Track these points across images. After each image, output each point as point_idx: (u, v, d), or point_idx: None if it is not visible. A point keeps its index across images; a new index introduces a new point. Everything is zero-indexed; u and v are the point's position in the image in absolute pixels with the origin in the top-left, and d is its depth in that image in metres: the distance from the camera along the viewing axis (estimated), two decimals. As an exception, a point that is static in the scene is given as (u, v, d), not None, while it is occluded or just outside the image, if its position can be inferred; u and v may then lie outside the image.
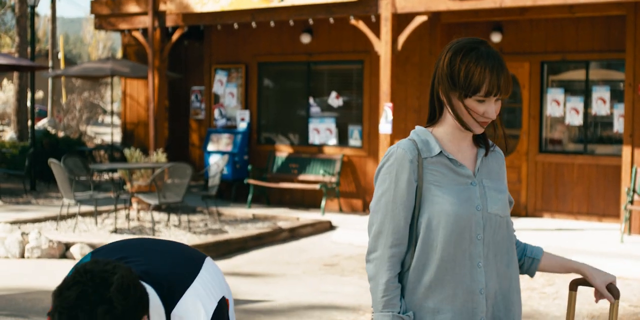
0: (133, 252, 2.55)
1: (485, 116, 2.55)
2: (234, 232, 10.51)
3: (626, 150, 10.59)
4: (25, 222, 11.02)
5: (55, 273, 8.45)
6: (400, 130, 11.92)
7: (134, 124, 17.59)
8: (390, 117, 11.03)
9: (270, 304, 7.29)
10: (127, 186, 12.04)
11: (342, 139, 13.23)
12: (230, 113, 14.27)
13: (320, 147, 13.36)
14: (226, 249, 9.77)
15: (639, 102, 10.55)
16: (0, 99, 31.71)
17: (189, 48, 16.84)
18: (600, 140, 11.64)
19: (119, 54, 20.27)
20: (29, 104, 17.34)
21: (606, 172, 11.35)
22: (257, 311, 7.02)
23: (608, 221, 11.31)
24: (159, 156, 12.52)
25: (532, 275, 2.78)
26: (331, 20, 12.07)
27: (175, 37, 13.61)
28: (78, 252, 9.36)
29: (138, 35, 13.99)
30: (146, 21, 13.77)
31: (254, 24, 12.76)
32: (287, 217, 11.96)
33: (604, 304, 7.13)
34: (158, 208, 11.80)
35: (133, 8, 13.95)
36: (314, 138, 13.37)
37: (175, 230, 10.59)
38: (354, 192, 13.09)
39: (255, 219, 12.03)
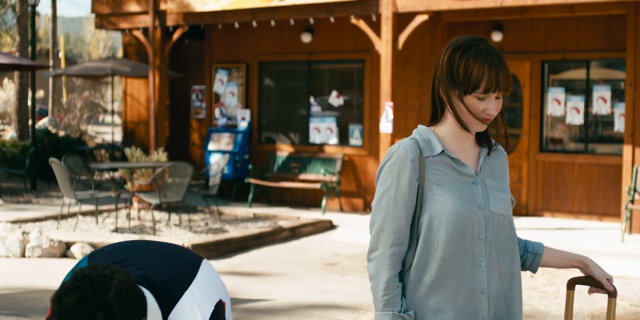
0: (129, 256, 2.54)
1: (486, 113, 2.55)
2: (234, 232, 10.51)
3: (627, 150, 10.58)
4: (26, 221, 11.03)
5: (56, 272, 8.45)
6: (400, 130, 11.92)
7: (134, 123, 17.59)
8: (390, 116, 11.03)
9: (271, 303, 7.29)
10: (128, 185, 12.05)
11: (343, 138, 13.23)
12: (230, 112, 14.27)
13: (320, 147, 13.36)
14: (227, 248, 9.77)
15: (639, 102, 10.54)
16: (1, 98, 31.71)
17: (190, 47, 16.84)
18: (600, 139, 11.64)
19: (120, 53, 20.26)
20: (29, 103, 17.35)
21: (607, 172, 11.35)
22: (257, 310, 7.02)
23: (609, 220, 11.31)
24: (160, 155, 12.52)
25: (534, 270, 2.78)
26: (332, 19, 12.07)
27: (175, 36, 13.61)
28: (79, 252, 9.36)
29: (139, 34, 13.99)
30: (147, 20, 13.77)
31: (254, 23, 12.76)
32: (288, 216, 11.96)
33: (604, 303, 7.13)
34: (159, 207, 11.80)
35: (134, 7, 13.95)
36: (315, 137, 13.37)
37: (176, 230, 10.59)
38: (354, 191, 13.09)
39: (255, 218, 12.03)
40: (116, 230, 10.40)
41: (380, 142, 11.30)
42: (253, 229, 10.77)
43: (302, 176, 13.30)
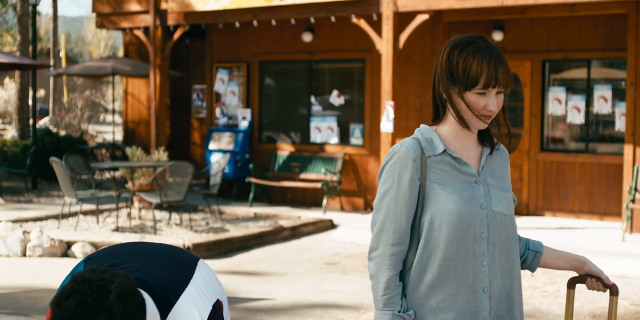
0: (126, 258, 2.54)
1: (487, 109, 2.54)
2: (235, 231, 10.51)
3: (628, 149, 10.58)
4: (26, 220, 11.03)
5: (56, 272, 8.46)
6: (401, 129, 11.91)
7: (135, 122, 17.59)
8: (391, 115, 11.02)
9: (272, 303, 7.29)
10: (129, 185, 12.05)
11: (344, 138, 13.23)
12: (231, 112, 14.28)
13: (321, 146, 13.36)
14: (227, 248, 9.77)
15: (640, 101, 10.54)
16: (2, 98, 31.71)
17: (191, 46, 16.84)
18: (601, 138, 11.63)
19: (121, 53, 20.26)
20: (30, 102, 17.35)
21: (608, 171, 11.34)
22: (258, 310, 7.02)
23: (609, 220, 11.30)
24: (161, 155, 12.53)
25: (533, 269, 2.79)
26: (332, 18, 12.07)
27: (176, 35, 13.61)
28: (79, 251, 9.37)
29: (139, 33, 13.99)
30: (148, 20, 13.78)
31: (255, 23, 12.76)
32: (289, 215, 11.95)
33: (605, 302, 7.13)
34: (159, 207, 11.80)
35: (134, 6, 13.96)
36: (316, 137, 13.37)
37: (177, 229, 10.59)
38: (355, 190, 13.08)
39: (256, 217, 12.03)
40: (117, 229, 10.40)
41: (381, 142, 11.29)
42: (254, 228, 10.77)
43: (303, 175, 13.30)
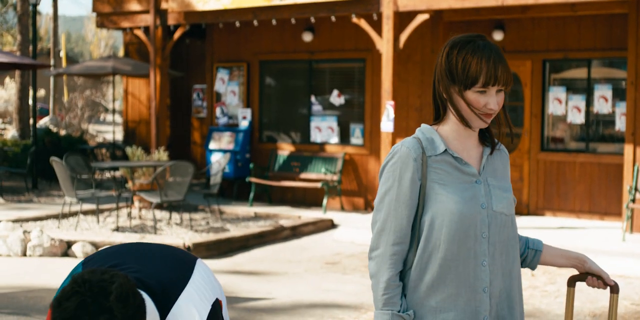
0: (124, 259, 2.54)
1: (488, 108, 2.54)
2: (235, 231, 10.51)
3: (628, 149, 10.58)
4: (27, 220, 11.03)
5: (57, 271, 8.46)
6: (401, 129, 11.91)
7: (135, 122, 17.59)
8: (392, 115, 11.02)
9: (272, 302, 7.29)
10: (129, 184, 12.05)
11: (344, 137, 13.23)
12: (232, 111, 14.27)
13: (322, 146, 13.36)
14: (228, 247, 9.78)
15: (641, 101, 10.54)
16: (2, 97, 31.71)
17: (191, 46, 16.84)
18: (602, 138, 11.63)
19: (121, 52, 20.25)
20: (30, 102, 17.35)
21: (608, 171, 11.34)
22: (259, 309, 7.02)
23: (610, 219, 11.30)
24: (161, 154, 12.53)
25: (533, 268, 2.80)
26: (333, 18, 12.07)
27: (177, 35, 13.61)
28: (80, 251, 9.37)
29: (140, 33, 13.99)
30: (148, 19, 13.78)
31: (255, 22, 12.75)
32: (289, 215, 11.95)
33: (606, 302, 7.13)
34: (160, 206, 11.80)
35: (135, 6, 13.96)
36: (316, 136, 13.37)
37: (177, 229, 10.59)
38: (355, 190, 13.08)
39: (257, 217, 12.03)
40: (117, 229, 10.40)
41: (381, 141, 11.29)
42: (254, 228, 10.77)
43: (303, 175, 13.30)
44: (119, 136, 24.83)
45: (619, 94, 11.25)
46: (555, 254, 2.78)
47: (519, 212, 11.85)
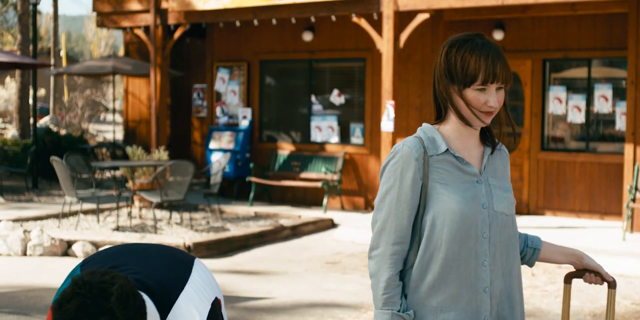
0: (123, 260, 2.54)
1: (488, 105, 2.54)
2: (235, 230, 10.51)
3: (628, 148, 10.57)
4: (27, 219, 11.03)
5: (57, 271, 8.46)
6: (402, 128, 11.91)
7: (135, 121, 17.59)
8: (392, 115, 11.02)
9: (272, 302, 7.29)
10: (129, 184, 12.05)
11: (344, 137, 13.23)
12: (232, 111, 14.27)
13: (322, 145, 13.36)
14: (228, 247, 9.78)
15: (641, 100, 10.53)
16: (3, 97, 31.71)
17: (191, 46, 16.84)
18: (602, 138, 11.63)
19: (121, 52, 20.24)
20: (31, 101, 17.35)
21: (608, 170, 11.34)
22: (259, 309, 7.02)
23: (610, 219, 11.30)
24: (161, 154, 12.53)
25: (531, 265, 2.81)
26: (333, 18, 12.06)
27: (177, 34, 13.61)
28: (80, 250, 9.37)
29: (140, 32, 13.99)
30: (148, 19, 13.78)
31: (255, 22, 12.75)
32: (289, 215, 11.95)
33: (606, 302, 7.13)
34: (160, 206, 11.80)
35: (135, 6, 13.96)
36: (316, 136, 13.37)
37: (177, 228, 10.59)
38: (355, 189, 13.08)
39: (257, 216, 12.03)
40: (117, 228, 10.41)
41: (381, 141, 11.29)
42: (254, 227, 10.77)
43: (304, 175, 13.30)
44: (119, 136, 24.83)
45: (619, 94, 11.25)
46: (553, 251, 2.79)
47: (519, 212, 11.85)
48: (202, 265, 2.66)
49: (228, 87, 14.26)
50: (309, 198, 13.47)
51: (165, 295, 2.45)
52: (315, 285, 7.99)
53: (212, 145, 13.90)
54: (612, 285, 2.78)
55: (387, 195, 2.58)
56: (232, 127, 14.05)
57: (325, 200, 12.56)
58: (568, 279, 2.85)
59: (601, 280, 2.77)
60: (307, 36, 13.24)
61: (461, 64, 2.52)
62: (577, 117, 11.50)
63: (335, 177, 12.91)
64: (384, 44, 11.21)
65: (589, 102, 11.48)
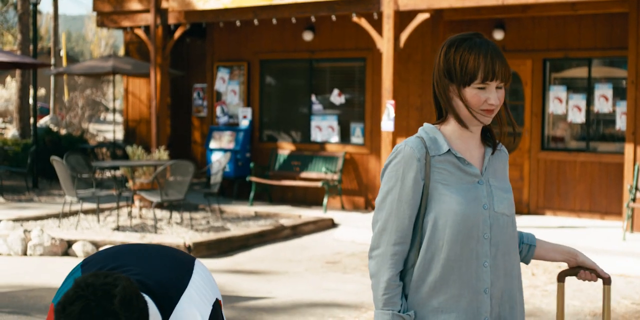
0: (124, 261, 2.53)
1: (489, 103, 2.54)
2: (236, 230, 10.51)
3: (628, 148, 10.57)
4: (27, 219, 11.03)
5: (57, 271, 8.46)
6: (402, 128, 11.91)
7: (136, 121, 17.59)
8: (392, 114, 11.02)
9: (273, 302, 7.29)
10: (129, 184, 12.05)
11: (344, 137, 13.23)
12: (232, 110, 14.27)
13: (322, 145, 13.36)
14: (228, 247, 9.77)
15: (641, 100, 10.53)
16: (3, 97, 31.71)
17: (191, 45, 16.84)
18: (602, 137, 11.63)
19: (121, 52, 20.23)
20: (31, 101, 17.35)
21: (608, 170, 11.34)
22: (259, 309, 7.02)
23: (610, 219, 11.30)
24: (161, 154, 12.52)
25: (527, 262, 2.81)
26: (333, 17, 12.06)
27: (177, 34, 13.61)
28: (80, 250, 9.37)
29: (140, 32, 13.99)
30: (148, 18, 13.77)
31: (256, 22, 12.75)
32: (289, 214, 11.95)
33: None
34: (160, 205, 11.80)
35: (135, 5, 13.95)
36: (316, 135, 13.37)
37: (178, 228, 10.59)
38: (356, 189, 13.08)
39: (257, 216, 12.03)
40: (118, 228, 10.41)
41: (381, 141, 11.29)
42: (254, 227, 10.77)
43: (304, 174, 13.30)
44: (120, 135, 24.83)
45: (619, 93, 11.25)
46: (548, 249, 2.80)
47: (520, 212, 11.85)
48: (203, 266, 2.66)
49: (228, 86, 14.26)
50: (309, 198, 13.47)
51: (166, 296, 2.45)
52: (316, 285, 7.99)
53: (213, 144, 13.90)
54: (607, 281, 2.80)
55: (388, 195, 2.57)
56: (232, 126, 14.05)
57: (325, 200, 12.56)
58: (561, 277, 2.86)
59: (596, 276, 2.78)
60: (308, 36, 13.24)
61: (460, 63, 2.52)
62: (578, 117, 11.50)
63: (336, 176, 12.91)
64: (384, 43, 11.21)
65: (589, 102, 11.47)
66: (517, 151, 11.96)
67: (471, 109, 2.55)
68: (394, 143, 10.98)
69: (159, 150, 12.70)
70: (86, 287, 2.10)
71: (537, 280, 8.11)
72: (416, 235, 2.57)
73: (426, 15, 11.01)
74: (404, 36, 11.19)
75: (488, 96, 2.53)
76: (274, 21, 12.60)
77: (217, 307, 2.54)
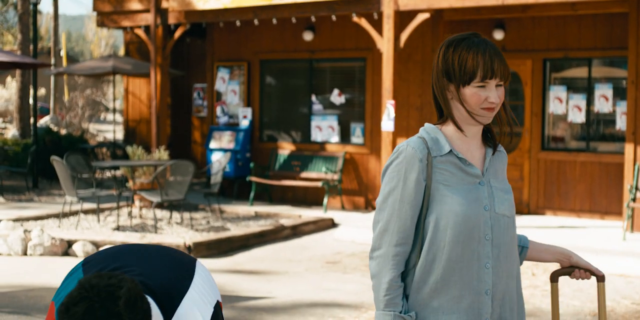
0: (126, 262, 2.53)
1: (489, 101, 2.54)
2: (236, 230, 10.51)
3: (628, 148, 10.57)
4: (27, 219, 11.03)
5: (57, 271, 8.46)
6: (402, 128, 11.91)
7: (136, 121, 17.59)
8: (392, 114, 11.02)
9: (273, 302, 7.29)
10: (130, 184, 12.05)
11: (345, 137, 13.23)
12: (232, 110, 14.27)
13: (322, 145, 13.36)
14: (228, 247, 9.77)
15: (641, 100, 10.53)
16: (3, 97, 31.71)
17: (191, 45, 16.84)
18: (602, 137, 11.63)
19: (121, 52, 20.23)
20: (31, 101, 17.35)
21: (608, 170, 11.34)
22: (259, 309, 7.02)
23: (610, 219, 11.30)
24: (161, 153, 12.52)
25: (520, 263, 2.81)
26: (333, 17, 12.06)
27: (177, 34, 13.61)
28: (80, 250, 9.37)
29: (140, 32, 13.99)
30: (148, 18, 13.77)
31: (256, 22, 12.75)
32: (289, 214, 11.95)
33: (609, 302, 7.12)
34: (160, 205, 11.80)
35: (135, 5, 13.95)
36: (316, 135, 13.37)
37: (178, 228, 10.59)
38: (356, 189, 13.08)
39: (257, 216, 12.03)
40: (118, 228, 10.41)
41: (381, 140, 11.29)
42: (254, 227, 10.77)
43: (304, 174, 13.30)
44: (120, 135, 24.83)
45: (619, 93, 11.25)
46: (540, 250, 2.80)
47: (520, 212, 11.85)
48: (203, 267, 2.66)
49: (228, 86, 14.26)
50: (310, 198, 13.47)
51: (167, 296, 2.44)
52: (316, 284, 7.99)
53: (213, 144, 13.90)
54: (600, 279, 2.81)
55: (390, 195, 2.57)
56: (232, 126, 14.05)
57: (325, 200, 12.56)
58: (554, 277, 2.86)
59: (590, 275, 2.78)
60: (308, 36, 13.24)
61: (459, 62, 2.52)
62: (578, 117, 11.50)
63: (336, 176, 12.91)
64: (385, 43, 11.21)
65: (590, 102, 11.47)
66: (517, 151, 11.97)
67: (471, 109, 2.55)
68: (394, 143, 10.98)
69: (159, 150, 12.70)
70: (90, 288, 2.09)
71: (537, 280, 8.11)
72: (418, 236, 2.56)
73: (426, 15, 11.01)
74: (404, 36, 11.19)
75: (488, 94, 2.53)
76: (274, 21, 12.60)
77: (217, 309, 2.54)
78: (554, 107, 11.65)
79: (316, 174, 13.17)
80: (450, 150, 2.58)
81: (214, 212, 12.01)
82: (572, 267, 2.80)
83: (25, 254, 9.40)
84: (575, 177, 11.61)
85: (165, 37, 13.73)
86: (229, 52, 14.36)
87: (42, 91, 34.16)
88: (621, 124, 11.07)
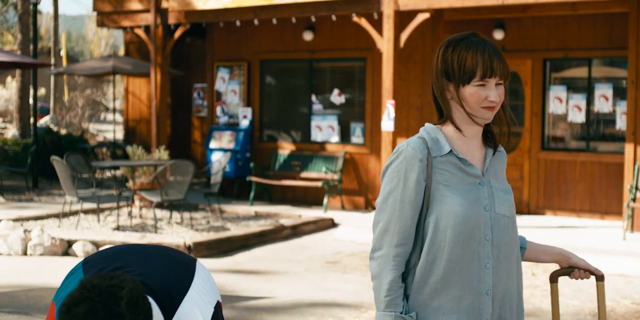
0: (126, 262, 2.53)
1: (489, 100, 2.54)
2: (236, 230, 10.51)
3: (628, 148, 10.57)
4: (27, 219, 11.03)
5: (57, 270, 8.46)
6: (402, 128, 11.91)
7: (136, 121, 17.59)
8: (392, 114, 11.02)
9: (273, 302, 7.29)
10: (130, 183, 12.05)
11: (345, 137, 13.23)
12: (232, 110, 14.27)
13: (322, 145, 13.36)
14: (228, 247, 9.77)
15: (641, 100, 10.53)
16: (3, 97, 31.71)
17: (191, 45, 16.84)
18: (602, 137, 11.63)
19: (121, 52, 20.23)
20: (31, 101, 17.35)
21: (608, 170, 11.34)
22: (259, 308, 7.02)
23: (610, 219, 11.30)
24: (161, 153, 12.52)
25: None
26: (333, 17, 12.06)
27: (177, 34, 13.61)
28: (80, 250, 9.37)
29: (140, 32, 13.99)
30: (148, 18, 13.77)
31: (256, 21, 12.75)
32: (289, 214, 11.95)
33: (609, 302, 7.13)
34: (160, 205, 11.80)
35: (135, 5, 13.95)
36: (316, 135, 13.37)
37: (178, 228, 10.59)
38: (356, 189, 13.08)
39: (257, 216, 12.03)
40: (118, 228, 10.41)
41: (381, 140, 11.29)
42: (255, 227, 10.77)
43: (304, 174, 13.30)
44: (120, 135, 24.82)
45: (619, 93, 11.25)
46: (538, 250, 2.80)
47: (520, 212, 11.85)
48: (203, 268, 2.66)
49: (228, 86, 14.26)
50: (310, 197, 13.47)
51: (167, 297, 2.44)
52: (316, 284, 7.99)
53: (213, 144, 13.90)
54: (600, 278, 2.80)
55: (390, 196, 2.56)
56: (232, 126, 14.05)
57: (325, 200, 12.56)
58: (554, 277, 2.86)
59: (589, 274, 2.78)
60: (308, 36, 13.24)
61: (458, 61, 2.52)
62: (578, 117, 11.50)
63: (336, 176, 12.91)
64: (385, 43, 11.21)
65: (590, 102, 11.47)
66: (517, 151, 11.97)
67: (471, 108, 2.54)
68: (394, 143, 10.98)
69: (159, 150, 12.70)
70: (92, 288, 2.09)
71: (537, 280, 8.11)
72: (418, 237, 2.56)
73: (426, 15, 11.01)
74: (404, 36, 11.19)
75: (488, 93, 2.53)
76: (274, 21, 12.60)
77: (218, 309, 2.54)
78: (554, 107, 11.65)
79: (316, 173, 13.17)
80: (451, 151, 2.57)
81: (214, 212, 12.01)
82: (572, 268, 2.80)
83: (25, 253, 9.40)
84: (575, 177, 11.61)
85: (165, 37, 13.74)
86: (229, 52, 14.36)
87: (42, 91, 34.16)
88: (621, 124, 11.07)
